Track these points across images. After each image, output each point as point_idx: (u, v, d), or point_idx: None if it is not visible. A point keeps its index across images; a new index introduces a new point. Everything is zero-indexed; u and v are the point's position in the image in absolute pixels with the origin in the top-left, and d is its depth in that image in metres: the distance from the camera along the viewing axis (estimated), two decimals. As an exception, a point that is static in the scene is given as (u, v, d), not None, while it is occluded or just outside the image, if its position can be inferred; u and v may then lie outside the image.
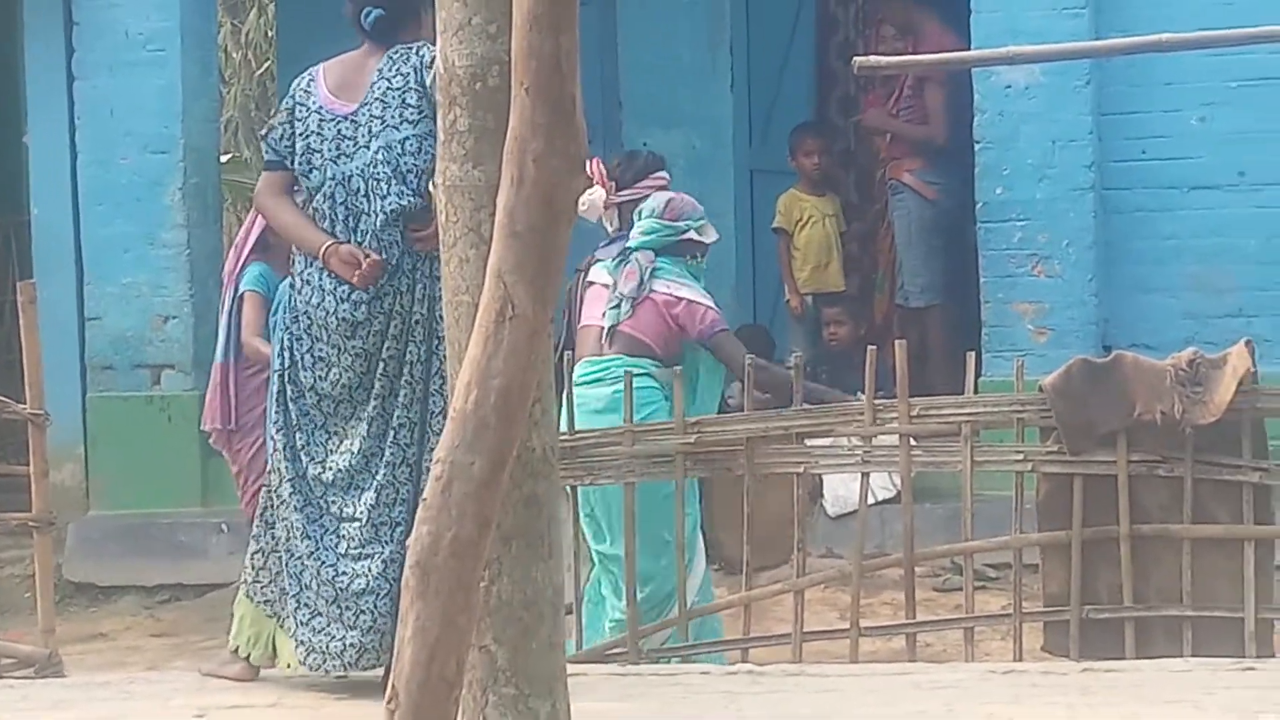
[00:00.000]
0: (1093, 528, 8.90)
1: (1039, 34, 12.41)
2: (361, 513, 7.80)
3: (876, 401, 9.10)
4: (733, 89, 15.80)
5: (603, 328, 9.86)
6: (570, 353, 9.92)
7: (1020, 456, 9.10)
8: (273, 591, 8.04)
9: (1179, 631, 8.79)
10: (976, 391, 9.32)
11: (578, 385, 9.69)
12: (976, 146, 12.90)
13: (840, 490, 10.69)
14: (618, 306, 9.87)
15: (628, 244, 10.02)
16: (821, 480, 9.95)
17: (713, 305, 9.94)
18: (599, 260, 10.18)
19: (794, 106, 15.84)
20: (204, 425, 9.61)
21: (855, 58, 11.52)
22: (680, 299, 9.90)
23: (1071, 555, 8.92)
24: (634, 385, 9.28)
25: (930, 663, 8.95)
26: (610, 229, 10.47)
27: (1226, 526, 8.88)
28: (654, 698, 7.71)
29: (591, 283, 10.11)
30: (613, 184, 10.51)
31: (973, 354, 9.82)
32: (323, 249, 7.83)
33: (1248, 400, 8.87)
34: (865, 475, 9.34)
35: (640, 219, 10.14)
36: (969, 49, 12.69)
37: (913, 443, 9.08)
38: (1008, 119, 12.89)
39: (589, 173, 10.43)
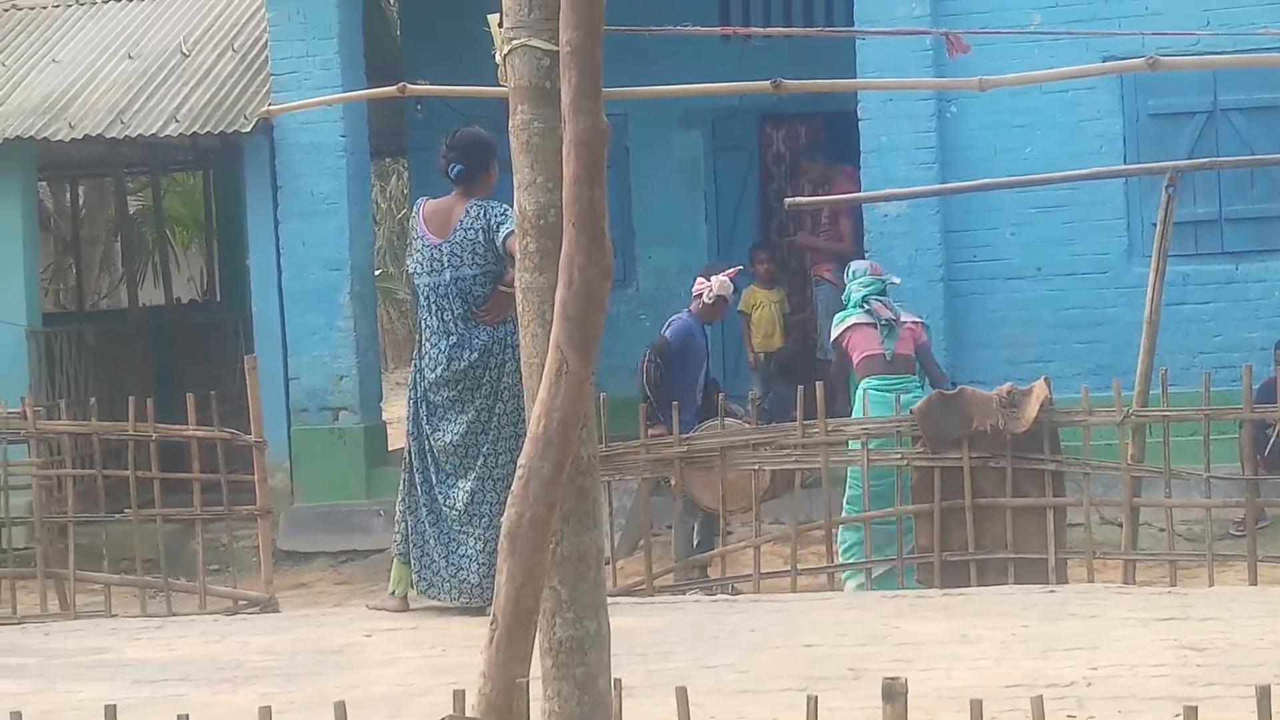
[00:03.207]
0: (947, 501, 8.90)
1: (906, 180, 12.48)
2: (461, 504, 7.77)
3: (805, 423, 9.11)
4: (705, 220, 15.86)
5: (881, 353, 9.99)
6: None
7: (900, 456, 9.11)
8: (407, 550, 8.02)
9: (1006, 569, 8.80)
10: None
11: (874, 390, 9.79)
12: (866, 254, 12.92)
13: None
14: (889, 333, 10.09)
15: (852, 300, 10.35)
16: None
17: None
18: (850, 315, 10.33)
19: (746, 232, 15.89)
20: None
21: (786, 199, 11.60)
22: (917, 322, 10.32)
23: (934, 519, 8.92)
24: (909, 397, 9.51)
25: (841, 593, 8.92)
26: (704, 303, 10.67)
27: (1034, 499, 8.88)
28: (662, 614, 7.70)
29: (857, 324, 10.19)
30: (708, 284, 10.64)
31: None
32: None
33: (1046, 416, 8.90)
34: (799, 470, 9.34)
35: (854, 277, 10.47)
36: (861, 191, 12.73)
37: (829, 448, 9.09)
38: (886, 236, 12.93)
39: (709, 284, 10.53)
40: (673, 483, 9.37)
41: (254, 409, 9.11)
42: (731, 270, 10.69)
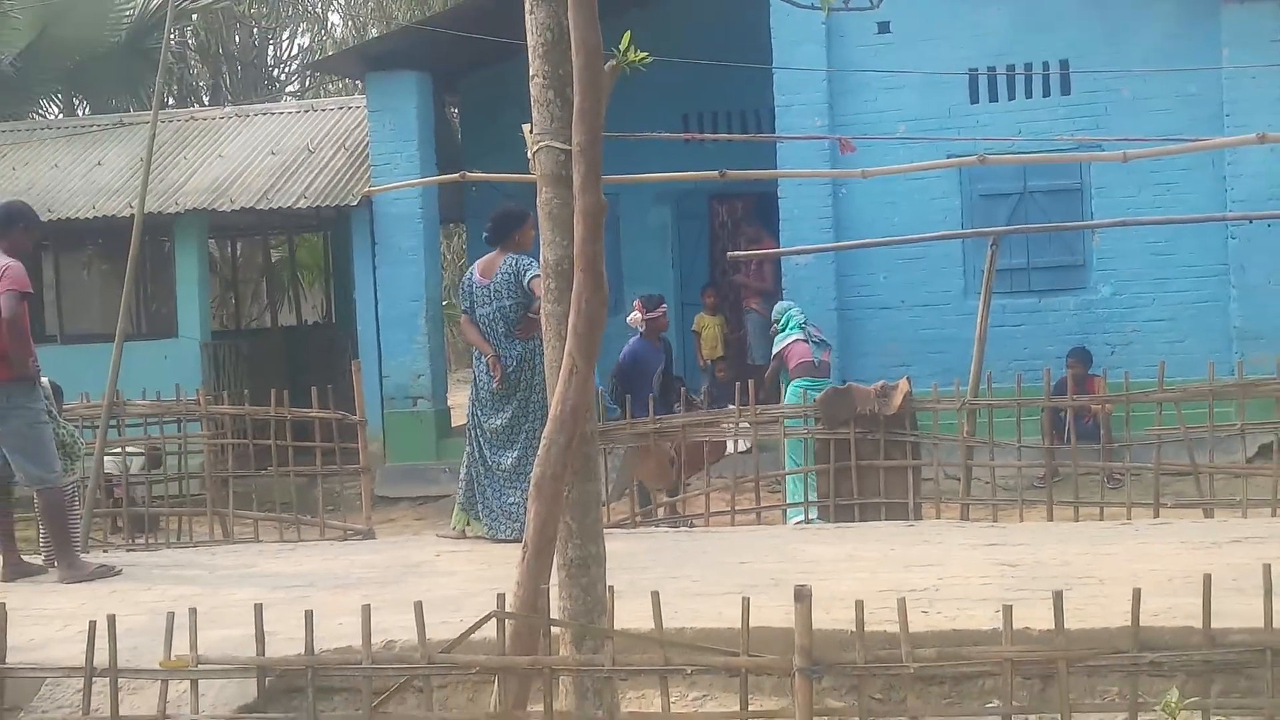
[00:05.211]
0: (839, 463, 8.88)
1: (811, 239, 12.47)
2: (510, 466, 7.77)
3: (740, 408, 9.10)
4: (672, 267, 15.86)
5: (812, 361, 10.18)
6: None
7: (806, 431, 9.09)
8: (466, 499, 8.00)
9: (879, 510, 8.77)
10: (784, 402, 9.30)
11: (800, 385, 9.86)
12: (783, 292, 12.93)
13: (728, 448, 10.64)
14: (819, 346, 10.39)
15: (793, 324, 10.47)
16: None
17: None
18: (788, 335, 10.44)
19: (699, 275, 15.88)
20: None
21: (728, 253, 11.57)
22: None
23: (830, 475, 8.91)
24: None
25: (766, 525, 8.92)
26: (641, 330, 10.52)
27: (898, 461, 8.86)
28: (641, 541, 7.68)
29: (797, 340, 10.32)
30: (644, 309, 10.55)
31: (786, 385, 9.81)
32: (487, 356, 7.83)
33: (908, 404, 8.88)
34: (735, 440, 9.32)
35: (788, 309, 10.70)
36: (779, 247, 12.72)
37: (759, 425, 9.08)
38: (798, 279, 12.93)
39: (633, 306, 10.50)
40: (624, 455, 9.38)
41: (358, 398, 9.09)
42: (639, 309, 10.66)
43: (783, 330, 10.64)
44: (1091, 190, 12.55)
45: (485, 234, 7.97)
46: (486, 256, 8.06)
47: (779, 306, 10.97)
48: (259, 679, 4.35)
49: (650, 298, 10.83)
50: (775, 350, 10.62)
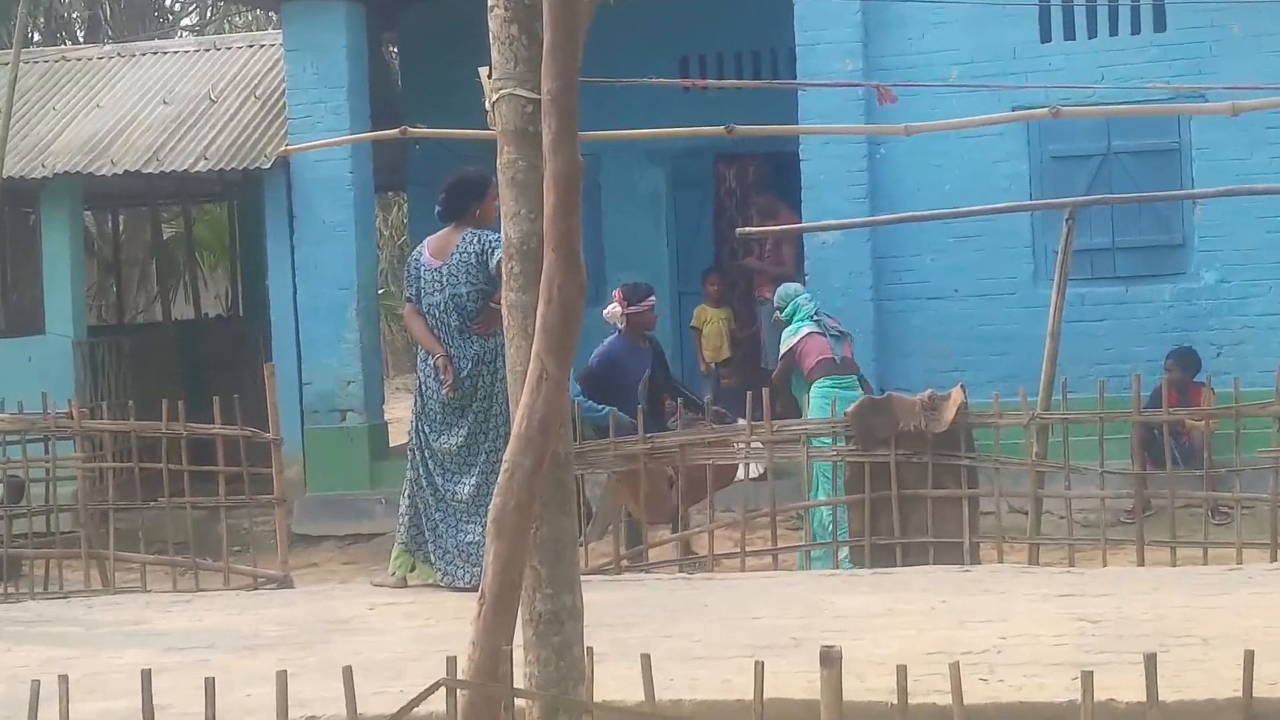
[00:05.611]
0: (876, 493, 8.88)
1: (840, 212, 12.48)
2: (467, 497, 7.78)
3: (752, 423, 9.10)
4: (666, 247, 15.88)
5: (832, 357, 10.37)
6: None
7: (835, 452, 9.10)
8: (409, 538, 8.01)
9: (926, 551, 8.78)
10: (806, 414, 9.31)
11: (826, 387, 10.06)
12: (805, 277, 12.94)
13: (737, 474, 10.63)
14: (838, 340, 10.57)
15: (801, 314, 10.64)
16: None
17: None
18: (798, 327, 10.58)
19: (701, 256, 15.90)
20: None
21: (738, 228, 11.59)
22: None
23: (865, 508, 8.91)
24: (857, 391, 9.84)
25: (785, 571, 8.91)
26: (621, 327, 10.52)
27: (951, 490, 8.87)
28: (628, 590, 7.68)
29: (810, 333, 10.44)
30: (625, 302, 10.54)
31: (806, 395, 9.81)
32: (436, 356, 7.85)
33: (962, 418, 8.89)
34: (746, 464, 9.31)
35: (795, 295, 10.85)
36: (801, 222, 12.74)
37: (775, 445, 9.07)
38: (824, 261, 12.95)
39: (613, 297, 10.52)
40: (607, 480, 9.38)
41: (272, 410, 9.08)
42: (619, 301, 10.65)
43: (789, 322, 10.66)
44: (1192, 151, 12.59)
45: (437, 208, 7.97)
46: (440, 233, 8.06)
47: (783, 291, 11.00)
48: (147, 764, 4.33)
49: (635, 287, 10.81)
50: (784, 348, 10.63)
